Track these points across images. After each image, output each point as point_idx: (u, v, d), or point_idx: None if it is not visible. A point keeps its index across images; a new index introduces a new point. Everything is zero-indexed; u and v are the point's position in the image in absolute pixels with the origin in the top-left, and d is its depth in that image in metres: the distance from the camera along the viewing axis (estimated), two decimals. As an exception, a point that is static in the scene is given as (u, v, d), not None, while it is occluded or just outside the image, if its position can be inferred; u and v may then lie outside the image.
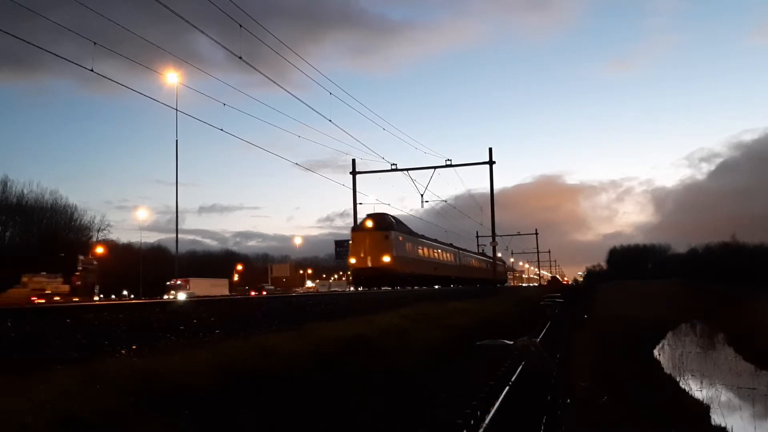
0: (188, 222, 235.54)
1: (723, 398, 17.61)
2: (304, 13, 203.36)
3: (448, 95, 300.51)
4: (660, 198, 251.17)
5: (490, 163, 43.54)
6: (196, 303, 12.60)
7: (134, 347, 7.85)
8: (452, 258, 50.30)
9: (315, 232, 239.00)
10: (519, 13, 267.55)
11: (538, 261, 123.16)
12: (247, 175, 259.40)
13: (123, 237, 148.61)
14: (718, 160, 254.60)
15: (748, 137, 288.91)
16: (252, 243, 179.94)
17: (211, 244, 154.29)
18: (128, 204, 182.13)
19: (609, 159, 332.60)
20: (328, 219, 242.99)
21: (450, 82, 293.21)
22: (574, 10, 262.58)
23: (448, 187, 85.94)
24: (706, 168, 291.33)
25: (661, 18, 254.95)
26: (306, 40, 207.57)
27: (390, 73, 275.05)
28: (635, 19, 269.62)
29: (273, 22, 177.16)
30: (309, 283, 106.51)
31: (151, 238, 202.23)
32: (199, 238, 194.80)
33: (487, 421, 2.69)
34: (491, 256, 63.09)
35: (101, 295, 60.10)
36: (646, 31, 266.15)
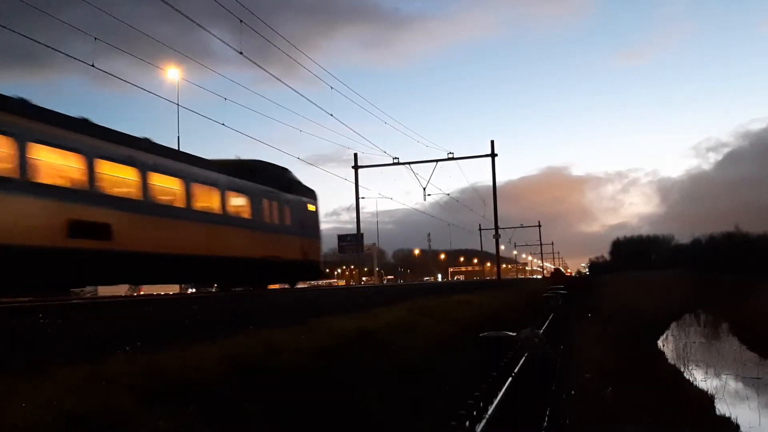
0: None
1: (728, 388, 17.61)
2: (318, 7, 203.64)
3: (458, 87, 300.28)
4: (666, 188, 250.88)
5: (492, 155, 43.51)
6: (199, 298, 12.66)
7: (138, 343, 7.87)
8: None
9: (321, 226, 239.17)
10: (531, 4, 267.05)
11: (541, 253, 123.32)
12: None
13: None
14: (726, 150, 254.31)
15: (756, 126, 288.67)
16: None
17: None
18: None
19: (616, 150, 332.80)
20: (335, 213, 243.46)
21: (462, 74, 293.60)
22: (583, 0, 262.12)
23: (451, 180, 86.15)
24: (713, 158, 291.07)
25: (672, 8, 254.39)
26: (318, 35, 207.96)
27: (401, 66, 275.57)
28: (646, 10, 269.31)
29: (286, 17, 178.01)
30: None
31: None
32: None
33: (490, 411, 2.71)
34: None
35: None
36: (657, 22, 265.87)
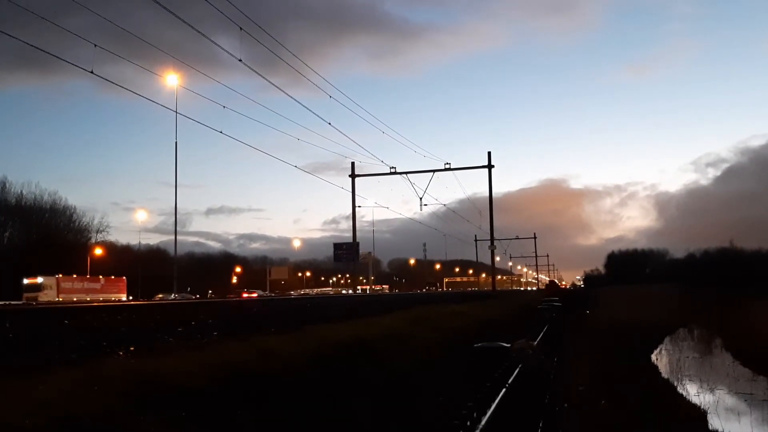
0: (195, 223, 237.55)
1: (720, 403, 17.62)
2: (328, 16, 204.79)
3: (460, 98, 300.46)
4: (663, 203, 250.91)
5: (489, 167, 43.59)
6: (195, 305, 12.63)
7: (132, 348, 7.86)
8: None
9: (319, 234, 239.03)
10: (538, 17, 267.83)
11: (536, 265, 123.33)
12: (255, 177, 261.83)
13: (128, 238, 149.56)
14: (725, 165, 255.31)
15: (756, 143, 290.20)
16: (255, 245, 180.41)
17: (215, 246, 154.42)
18: (135, 205, 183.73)
19: (616, 163, 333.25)
20: (334, 221, 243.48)
21: (465, 85, 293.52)
22: (592, 15, 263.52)
23: (448, 190, 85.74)
24: (712, 173, 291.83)
25: (677, 24, 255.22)
26: (327, 44, 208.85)
27: (407, 76, 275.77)
28: (651, 26, 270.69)
29: (296, 25, 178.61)
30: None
31: (155, 239, 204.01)
32: (203, 240, 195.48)
33: (483, 422, 2.72)
34: None
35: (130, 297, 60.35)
36: (661, 38, 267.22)
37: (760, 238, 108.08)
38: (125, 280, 64.10)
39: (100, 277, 61.05)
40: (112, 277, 63.05)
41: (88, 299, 49.01)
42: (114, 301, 47.36)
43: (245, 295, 61.25)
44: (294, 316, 14.09)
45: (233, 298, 52.42)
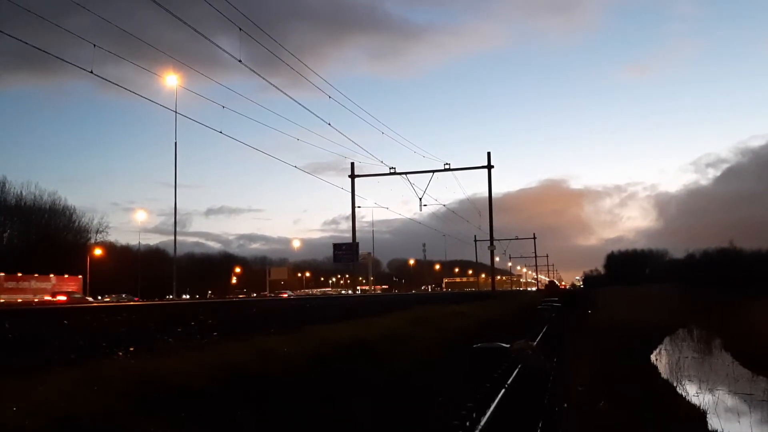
0: (195, 224, 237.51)
1: (720, 403, 17.63)
2: (329, 16, 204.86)
3: (460, 98, 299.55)
4: (663, 203, 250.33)
5: (488, 167, 43.56)
6: (195, 305, 12.62)
7: (131, 349, 7.86)
8: None
9: (319, 234, 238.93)
10: (539, 17, 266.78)
11: (536, 265, 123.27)
12: (255, 177, 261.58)
13: (128, 239, 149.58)
14: (725, 166, 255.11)
15: (756, 143, 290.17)
16: (255, 245, 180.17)
17: (215, 246, 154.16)
18: (135, 206, 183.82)
19: (616, 163, 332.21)
20: (334, 222, 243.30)
21: (465, 85, 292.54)
22: (592, 15, 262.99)
23: (448, 191, 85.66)
24: (712, 173, 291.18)
25: (678, 24, 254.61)
26: (328, 44, 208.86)
27: (407, 76, 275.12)
28: (651, 25, 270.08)
29: (295, 26, 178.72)
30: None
31: (155, 240, 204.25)
32: (203, 241, 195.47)
33: (482, 423, 2.73)
34: None
35: (98, 297, 60.27)
36: (662, 37, 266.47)
37: (760, 238, 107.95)
38: (80, 279, 59.87)
39: (51, 275, 56.33)
40: (66, 275, 58.57)
41: (36, 300, 46.36)
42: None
43: (282, 295, 68.46)
44: (293, 316, 14.09)
45: (269, 297, 53.86)
